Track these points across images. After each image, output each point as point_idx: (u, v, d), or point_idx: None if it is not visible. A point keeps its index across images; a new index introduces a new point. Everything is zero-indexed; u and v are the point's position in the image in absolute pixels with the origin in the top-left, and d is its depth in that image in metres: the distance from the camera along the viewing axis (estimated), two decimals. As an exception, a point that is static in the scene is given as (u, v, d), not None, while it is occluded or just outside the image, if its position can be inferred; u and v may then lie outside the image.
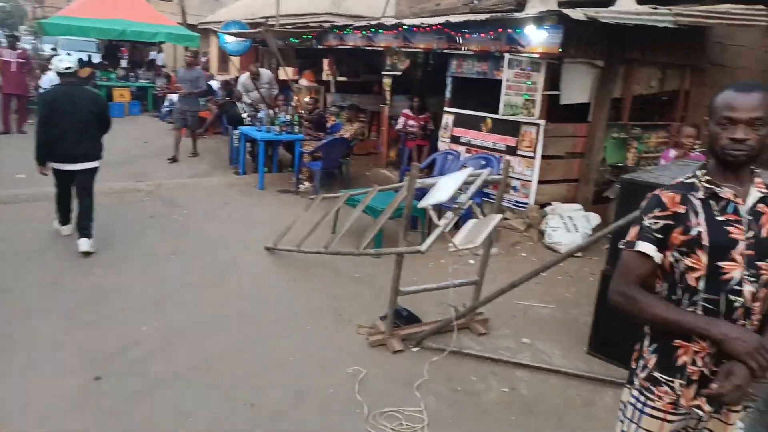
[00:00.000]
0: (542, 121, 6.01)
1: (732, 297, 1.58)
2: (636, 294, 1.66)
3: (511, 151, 6.23)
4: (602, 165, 6.33)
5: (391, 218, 4.22)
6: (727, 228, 1.59)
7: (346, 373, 3.35)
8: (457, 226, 3.76)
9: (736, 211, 1.60)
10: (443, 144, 7.15)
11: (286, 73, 10.67)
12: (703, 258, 1.60)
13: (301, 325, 3.94)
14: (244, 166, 8.26)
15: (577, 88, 6.17)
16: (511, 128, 6.26)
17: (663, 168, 4.09)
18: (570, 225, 5.61)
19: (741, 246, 1.58)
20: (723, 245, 1.58)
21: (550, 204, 6.06)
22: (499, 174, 4.31)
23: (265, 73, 9.54)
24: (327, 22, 10.35)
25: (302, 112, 8.40)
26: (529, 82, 6.09)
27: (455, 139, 6.97)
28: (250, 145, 8.38)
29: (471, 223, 3.64)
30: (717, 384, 1.54)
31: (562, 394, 3.29)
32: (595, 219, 5.78)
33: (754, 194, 1.61)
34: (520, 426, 3.00)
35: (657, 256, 1.66)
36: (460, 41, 6.74)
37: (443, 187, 3.68)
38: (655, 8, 5.76)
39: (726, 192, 1.61)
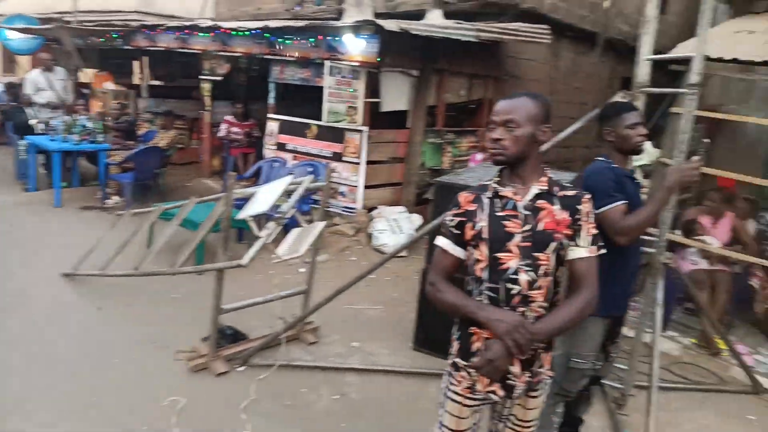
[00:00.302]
0: (365, 128, 6.16)
1: (509, 285, 1.70)
2: (439, 284, 1.80)
3: (337, 157, 6.28)
4: (422, 168, 6.70)
5: (215, 231, 3.93)
6: (504, 222, 1.72)
7: (162, 407, 3.00)
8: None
9: (514, 207, 1.73)
10: (269, 151, 6.95)
11: (87, 75, 9.50)
12: (485, 250, 1.73)
13: (107, 359, 3.45)
14: (35, 181, 7.11)
15: (395, 96, 6.45)
16: (335, 135, 6.31)
17: (470, 170, 4.43)
18: (395, 227, 5.83)
19: (517, 238, 1.71)
20: (500, 238, 1.71)
21: (376, 208, 6.23)
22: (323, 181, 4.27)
23: (60, 69, 8.30)
24: (135, 20, 9.47)
25: (108, 118, 7.52)
26: (351, 90, 6.20)
27: (281, 147, 6.82)
28: (44, 157, 7.26)
29: (295, 232, 3.54)
30: (476, 359, 1.68)
31: (389, 393, 3.34)
32: (417, 220, 6.08)
33: (533, 191, 1.74)
34: (350, 431, 2.96)
35: (453, 250, 1.81)
36: (281, 47, 6.63)
37: (263, 197, 3.52)
38: (460, 23, 6.27)
39: (506, 190, 1.75)
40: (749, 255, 4.27)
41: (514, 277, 1.69)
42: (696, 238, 4.41)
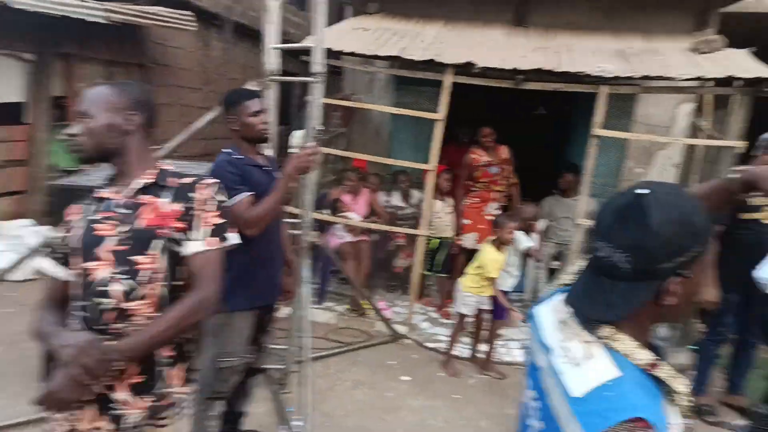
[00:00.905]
0: (-41, 125, 4.82)
1: (98, 299, 1.46)
2: (39, 312, 1.53)
3: None
4: (53, 171, 5.64)
5: None
6: (95, 226, 1.51)
7: None
8: None
9: (110, 208, 1.53)
10: None
11: None
12: (79, 262, 1.50)
13: None
14: None
15: (3, 84, 5.27)
16: None
17: (100, 169, 3.85)
18: (20, 245, 4.74)
19: (109, 243, 1.49)
20: (90, 245, 1.50)
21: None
22: None
23: None
24: None
25: None
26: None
27: None
28: None
29: None
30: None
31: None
32: (50, 233, 5.10)
33: (134, 186, 1.53)
34: None
35: (56, 272, 1.56)
36: None
37: None
38: (86, 2, 5.46)
39: (105, 191, 1.56)
40: (383, 224, 4.92)
41: (103, 289, 1.46)
42: (340, 214, 4.85)
